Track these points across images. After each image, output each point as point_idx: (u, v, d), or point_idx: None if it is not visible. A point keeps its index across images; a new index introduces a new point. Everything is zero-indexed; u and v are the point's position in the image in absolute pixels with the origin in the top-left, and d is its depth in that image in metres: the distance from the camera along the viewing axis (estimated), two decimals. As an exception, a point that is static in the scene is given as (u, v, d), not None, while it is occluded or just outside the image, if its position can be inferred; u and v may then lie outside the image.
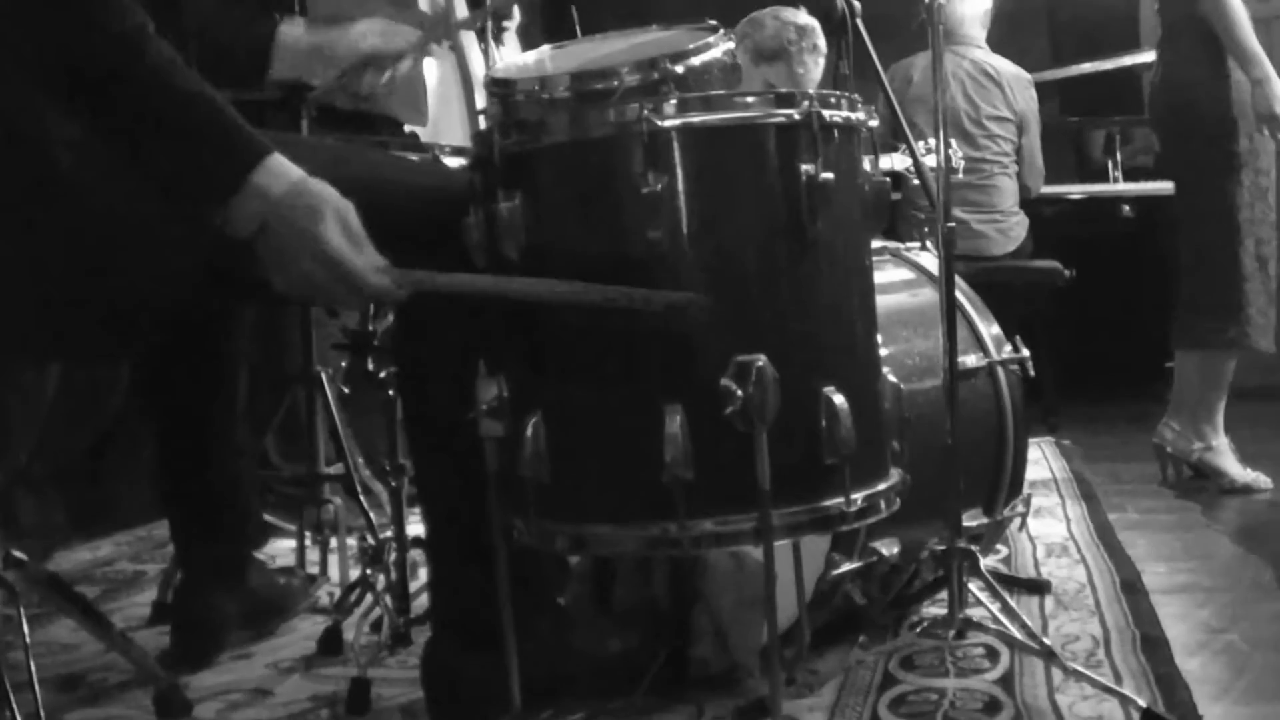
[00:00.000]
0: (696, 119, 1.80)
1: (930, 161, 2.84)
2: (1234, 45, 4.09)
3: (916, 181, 3.16)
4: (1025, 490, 2.97)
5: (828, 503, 1.84)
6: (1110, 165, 6.59)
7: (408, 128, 3.35)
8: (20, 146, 1.87)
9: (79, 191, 1.88)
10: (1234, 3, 4.08)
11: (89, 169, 1.87)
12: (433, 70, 3.69)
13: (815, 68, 4.38)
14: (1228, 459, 4.34)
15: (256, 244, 1.81)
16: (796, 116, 1.83)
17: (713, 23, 2.29)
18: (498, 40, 3.17)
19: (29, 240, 1.90)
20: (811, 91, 1.86)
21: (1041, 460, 4.88)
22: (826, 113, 1.85)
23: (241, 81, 2.52)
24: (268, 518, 3.44)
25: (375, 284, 1.82)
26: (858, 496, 1.86)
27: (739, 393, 1.73)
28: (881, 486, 1.93)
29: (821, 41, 4.33)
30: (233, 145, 1.82)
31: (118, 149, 1.85)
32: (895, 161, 3.96)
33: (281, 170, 1.82)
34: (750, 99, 1.86)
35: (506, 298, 1.88)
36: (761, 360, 1.73)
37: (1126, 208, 6.32)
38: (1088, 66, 6.70)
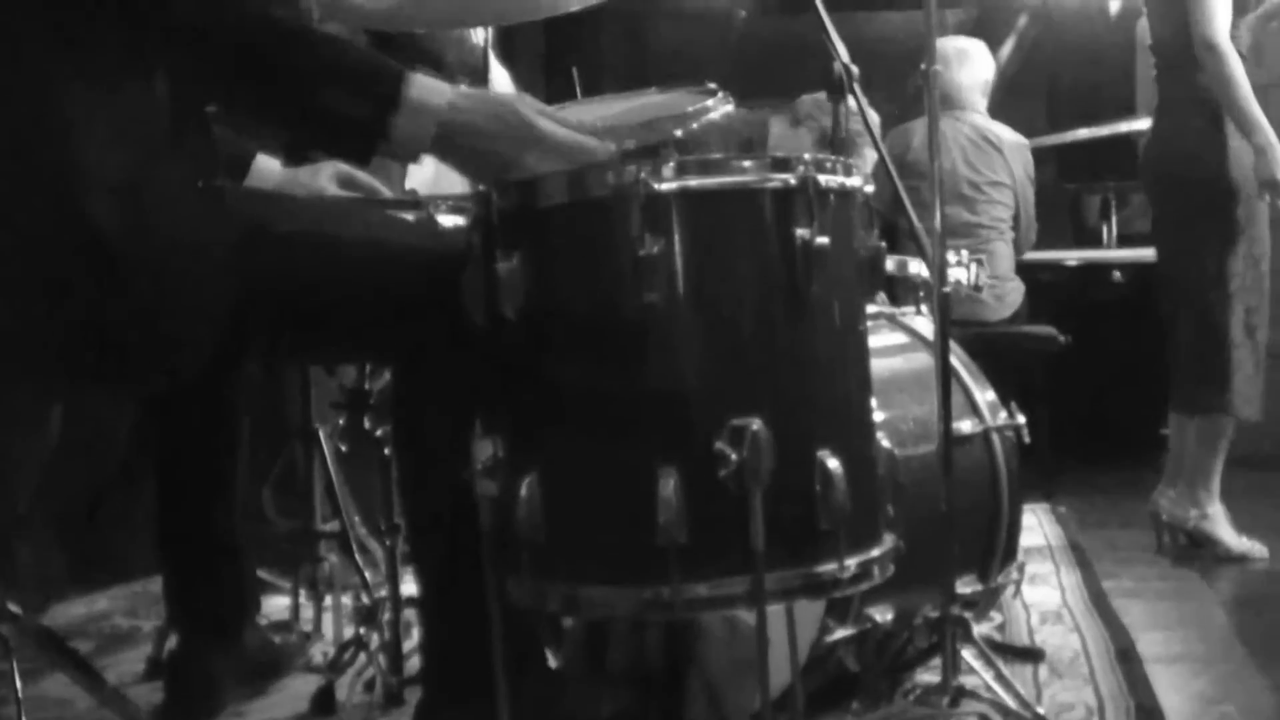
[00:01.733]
0: (694, 183, 1.81)
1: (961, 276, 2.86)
2: (1236, 112, 4.12)
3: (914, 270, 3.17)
4: (1019, 557, 2.97)
5: (822, 568, 1.83)
6: (1106, 231, 6.62)
7: (408, 184, 3.38)
8: (56, 195, 1.87)
9: (106, 234, 1.88)
10: (1236, 70, 4.11)
11: (117, 214, 1.87)
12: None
13: (869, 161, 4.44)
14: (1223, 527, 4.34)
15: (448, 158, 1.92)
16: (793, 181, 1.83)
17: (711, 85, 2.30)
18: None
19: (52, 278, 1.90)
20: (807, 156, 1.87)
21: (1036, 526, 4.88)
22: (822, 178, 1.86)
23: None
24: (262, 574, 3.44)
25: (597, 147, 1.94)
26: (852, 562, 1.85)
27: (734, 456, 1.73)
28: (876, 552, 1.92)
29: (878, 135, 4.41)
30: (377, 68, 1.90)
31: (273, 111, 1.96)
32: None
33: (432, 83, 1.89)
34: (747, 163, 1.87)
35: None
36: (756, 423, 1.74)
37: (1118, 274, 6.33)
38: (1084, 132, 6.73)
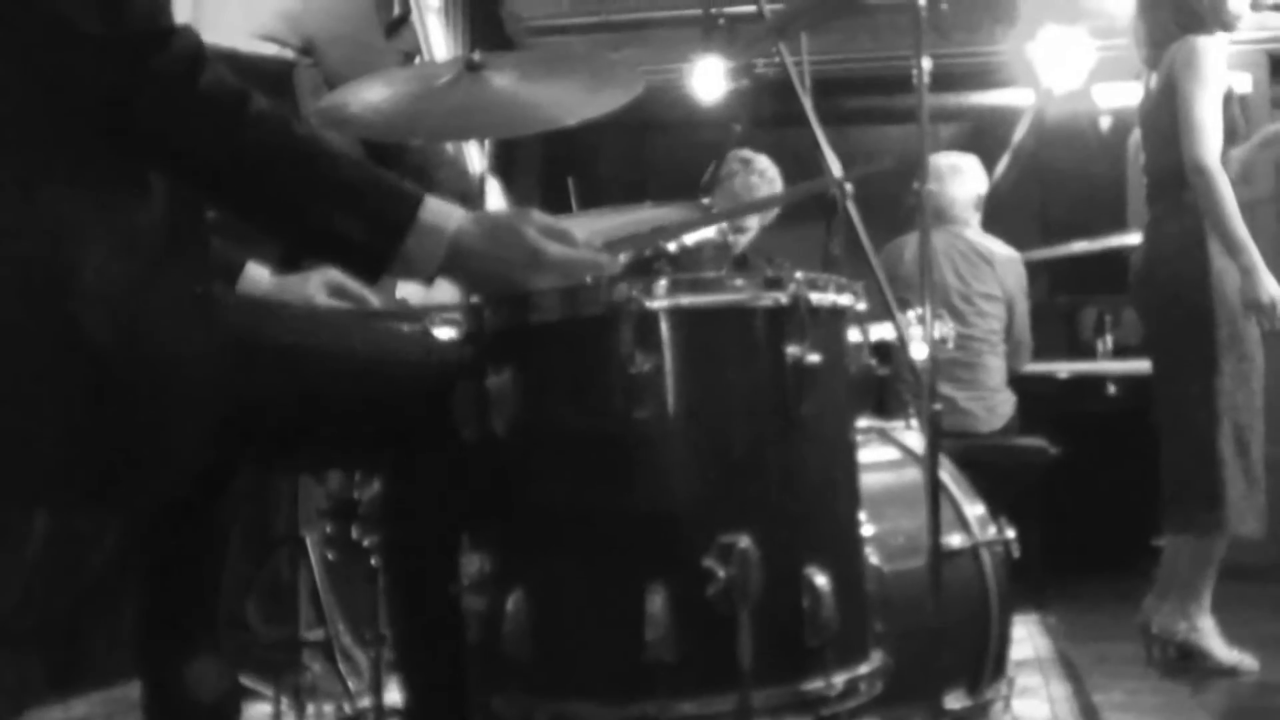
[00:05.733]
0: (686, 301, 1.82)
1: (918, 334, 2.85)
2: (1224, 233, 4.14)
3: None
4: (1009, 671, 2.95)
5: (809, 685, 1.82)
6: (1100, 344, 6.63)
7: (399, 293, 3.39)
8: (43, 303, 1.86)
9: (100, 347, 1.87)
10: (1226, 192, 4.13)
11: (112, 327, 1.87)
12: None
13: None
14: (1214, 640, 4.31)
15: (455, 278, 1.89)
16: (784, 300, 1.85)
17: (705, 202, 2.33)
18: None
19: (44, 391, 1.89)
20: (799, 275, 1.88)
21: (1026, 638, 4.84)
22: (814, 296, 1.87)
23: None
24: (245, 681, 3.41)
25: (601, 261, 1.92)
26: (839, 679, 1.85)
27: (721, 573, 1.73)
28: (864, 669, 1.92)
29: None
30: (392, 189, 1.87)
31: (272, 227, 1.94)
32: (885, 331, 3.97)
33: (443, 206, 1.87)
34: (739, 281, 1.89)
35: None
36: (745, 541, 1.74)
37: (1111, 386, 6.35)
38: (1078, 246, 6.77)
